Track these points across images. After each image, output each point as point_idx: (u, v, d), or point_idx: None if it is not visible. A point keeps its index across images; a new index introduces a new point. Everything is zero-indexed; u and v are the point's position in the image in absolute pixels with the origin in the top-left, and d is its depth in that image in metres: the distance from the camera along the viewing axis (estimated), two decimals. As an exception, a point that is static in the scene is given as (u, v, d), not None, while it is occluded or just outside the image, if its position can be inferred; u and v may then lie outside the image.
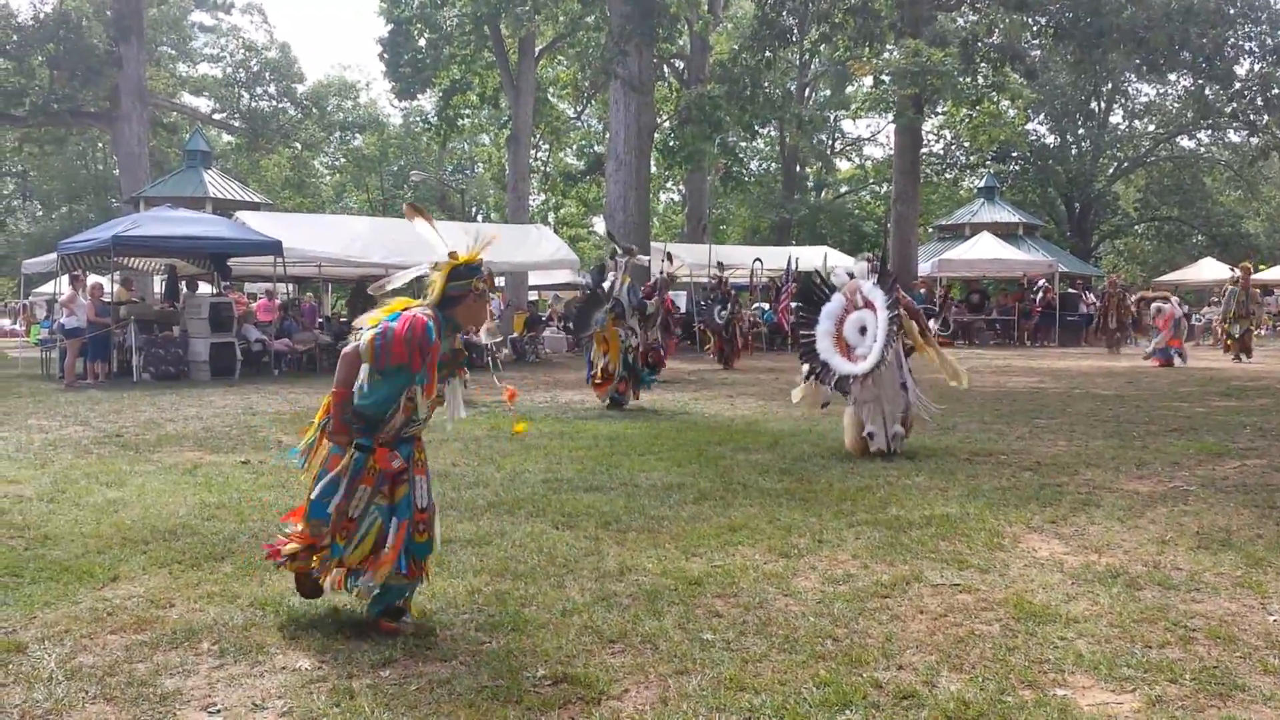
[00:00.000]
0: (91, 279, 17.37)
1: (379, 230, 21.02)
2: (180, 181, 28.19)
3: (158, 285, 20.71)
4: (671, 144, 27.75)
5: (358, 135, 50.99)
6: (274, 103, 43.67)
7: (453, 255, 4.37)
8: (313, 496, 4.19)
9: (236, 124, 42.65)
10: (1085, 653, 3.81)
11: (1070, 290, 30.23)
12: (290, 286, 22.70)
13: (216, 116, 44.38)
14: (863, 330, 8.40)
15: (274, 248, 16.97)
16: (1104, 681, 3.57)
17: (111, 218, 25.21)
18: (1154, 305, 20.00)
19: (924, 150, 37.40)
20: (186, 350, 16.57)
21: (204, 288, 19.16)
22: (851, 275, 8.79)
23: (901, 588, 4.64)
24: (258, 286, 25.01)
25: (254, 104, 43.58)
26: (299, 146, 44.69)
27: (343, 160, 53.07)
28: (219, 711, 3.39)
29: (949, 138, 44.15)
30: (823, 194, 49.61)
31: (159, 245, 16.96)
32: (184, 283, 18.40)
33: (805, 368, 8.80)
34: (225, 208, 24.87)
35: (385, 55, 29.53)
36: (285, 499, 6.59)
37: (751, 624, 4.16)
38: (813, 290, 8.71)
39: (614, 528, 5.79)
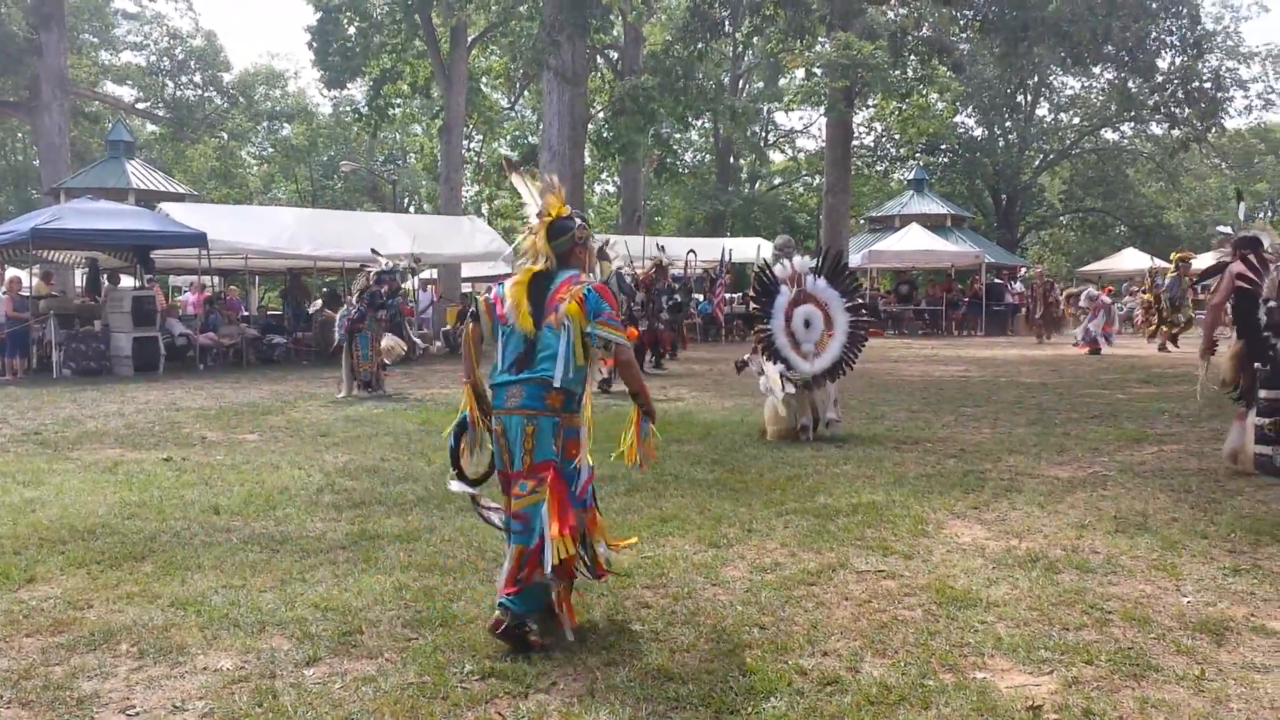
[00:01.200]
0: (9, 273, 16.89)
1: (308, 221, 20.77)
2: (102, 172, 27.47)
3: (79, 279, 20.21)
4: (606, 135, 27.68)
5: (286, 125, 50.17)
6: (199, 92, 42.77)
7: (541, 216, 4.22)
8: (578, 492, 4.05)
9: (161, 113, 41.69)
10: (1004, 636, 3.89)
11: (996, 280, 30.79)
12: (216, 279, 22.29)
13: (140, 106, 43.34)
14: (807, 324, 8.63)
15: (198, 240, 16.65)
16: (1022, 664, 3.65)
17: (31, 209, 24.57)
18: (1085, 293, 20.60)
19: (855, 143, 37.78)
20: (108, 345, 16.21)
21: (126, 281, 18.74)
22: (779, 257, 8.95)
23: (828, 575, 4.70)
24: (183, 279, 24.51)
25: (179, 93, 42.63)
26: (225, 136, 43.88)
27: (271, 150, 52.15)
28: (138, 714, 3.33)
29: (879, 130, 44.60)
30: (756, 185, 49.88)
31: (80, 238, 16.55)
32: (105, 276, 17.98)
33: (764, 362, 8.86)
34: (148, 199, 24.26)
35: (314, 44, 29.05)
36: (208, 496, 6.49)
37: (680, 614, 4.18)
38: (765, 283, 8.80)
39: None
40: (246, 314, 21.39)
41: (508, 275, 4.43)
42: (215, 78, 42.61)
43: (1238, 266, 7.00)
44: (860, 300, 9.12)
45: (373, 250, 13.45)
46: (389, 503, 6.29)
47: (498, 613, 3.81)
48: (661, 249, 19.18)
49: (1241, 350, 6.94)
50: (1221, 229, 7.63)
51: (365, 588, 4.52)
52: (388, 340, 12.81)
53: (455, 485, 4.28)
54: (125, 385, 14.05)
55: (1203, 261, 33.02)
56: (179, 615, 4.21)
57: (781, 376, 8.59)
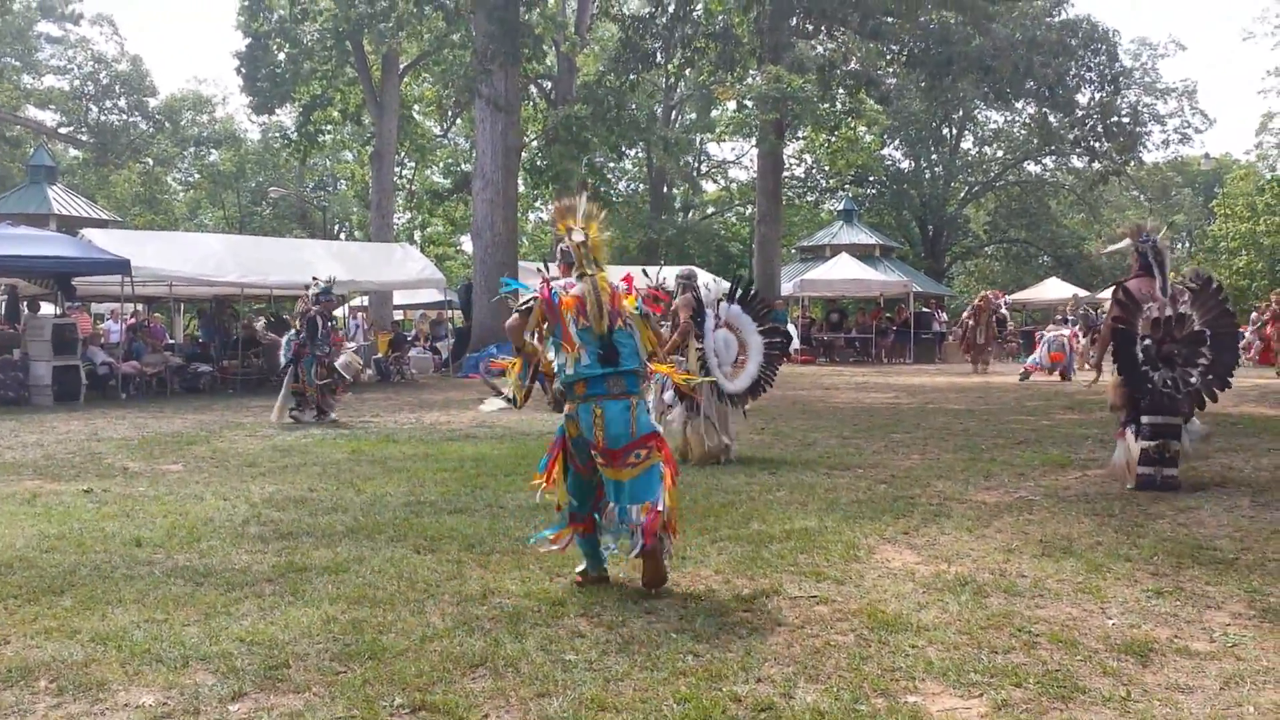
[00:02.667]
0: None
1: (235, 247, 20.47)
2: (23, 198, 26.89)
3: (-4, 306, 19.65)
4: (539, 163, 27.73)
5: (213, 150, 49.42)
6: (124, 117, 42.07)
7: (588, 234, 4.98)
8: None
9: (84, 138, 40.92)
10: (935, 660, 3.93)
11: (924, 309, 31.31)
12: (140, 306, 21.83)
13: (63, 130, 42.49)
14: (725, 346, 8.94)
15: (121, 267, 16.28)
16: (953, 687, 3.68)
17: (-54, 235, 23.82)
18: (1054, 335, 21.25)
19: (786, 173, 38.30)
20: (27, 374, 15.73)
21: (47, 308, 18.26)
22: (685, 286, 9.21)
23: (761, 601, 4.71)
24: (103, 307, 23.97)
25: (103, 118, 41.88)
26: (150, 162, 43.12)
27: (197, 176, 51.34)
28: (52, 755, 3.22)
29: (809, 162, 45.29)
30: (689, 215, 50.25)
31: (-3, 264, 16.10)
32: (25, 303, 17.51)
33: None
34: (71, 225, 23.79)
35: (242, 70, 28.74)
36: (130, 528, 6.32)
37: (614, 643, 4.16)
38: (700, 306, 8.99)
39: (477, 550, 5.72)
40: (171, 342, 20.97)
41: (554, 278, 5.07)
42: (141, 103, 41.94)
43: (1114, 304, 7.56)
44: (773, 324, 9.52)
45: (313, 278, 13.32)
46: (317, 534, 6.18)
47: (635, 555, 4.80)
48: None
49: (1122, 381, 7.48)
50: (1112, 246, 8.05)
51: (292, 620, 4.43)
52: (344, 357, 12.78)
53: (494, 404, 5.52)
54: (45, 415, 13.66)
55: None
56: (99, 650, 4.08)
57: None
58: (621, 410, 4.80)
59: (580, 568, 5.10)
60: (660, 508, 4.77)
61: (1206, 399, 7.39)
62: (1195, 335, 7.28)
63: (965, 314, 25.35)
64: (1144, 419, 7.34)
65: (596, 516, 5.00)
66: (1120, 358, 7.41)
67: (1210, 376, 7.29)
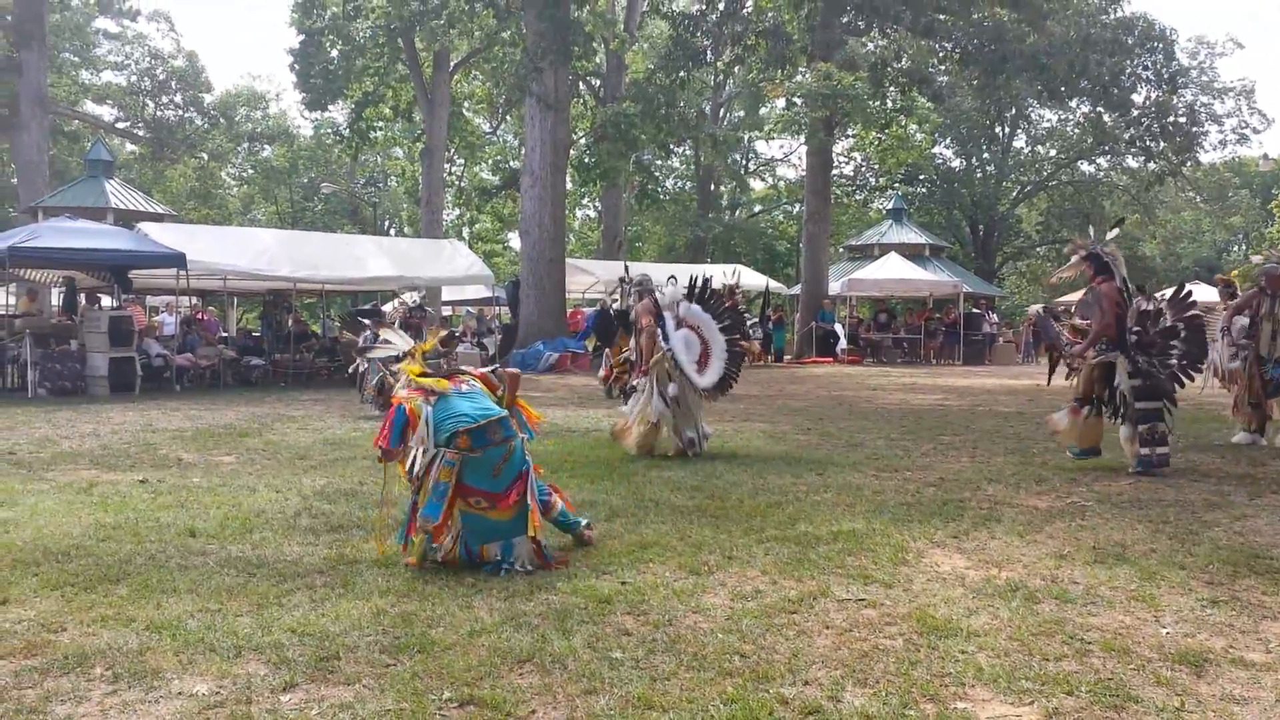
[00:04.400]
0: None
1: (287, 242, 20.67)
2: (80, 191, 27.36)
3: (55, 298, 20.06)
4: (587, 161, 27.81)
5: (267, 146, 50.10)
6: (180, 112, 42.70)
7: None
8: None
9: (141, 133, 41.59)
10: (985, 666, 3.89)
11: (974, 310, 30.97)
12: (194, 300, 22.18)
13: (120, 125, 43.24)
14: (686, 346, 9.31)
15: (177, 260, 16.55)
16: (1003, 694, 3.65)
17: (8, 228, 24.34)
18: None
19: (835, 172, 38.06)
20: (84, 365, 16.06)
21: (104, 301, 18.61)
22: (641, 293, 9.85)
23: (809, 603, 4.69)
24: (159, 300, 24.38)
25: (159, 113, 42.55)
26: (205, 157, 43.78)
27: (251, 171, 52.09)
28: (110, 740, 3.28)
29: (859, 160, 44.97)
30: (737, 213, 50.16)
31: (56, 257, 16.43)
32: (83, 296, 17.86)
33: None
34: (127, 219, 24.15)
35: (296, 66, 29.11)
36: (184, 518, 6.43)
37: (660, 642, 4.16)
38: (659, 310, 9.50)
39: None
40: (225, 335, 21.27)
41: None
42: (196, 98, 42.55)
43: (1111, 291, 8.35)
44: (731, 321, 9.89)
45: (411, 293, 13.82)
46: (367, 527, 6.24)
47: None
48: (641, 277, 19.29)
49: (1098, 366, 8.47)
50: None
51: (343, 613, 4.48)
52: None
53: None
54: (101, 406, 13.93)
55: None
56: (154, 639, 4.16)
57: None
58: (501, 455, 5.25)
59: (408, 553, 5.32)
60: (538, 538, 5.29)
61: (1183, 381, 8.56)
62: (1169, 329, 8.47)
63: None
64: (1138, 405, 8.25)
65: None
66: (1121, 346, 8.35)
67: (1184, 363, 8.50)
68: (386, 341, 6.17)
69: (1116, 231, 8.79)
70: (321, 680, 3.76)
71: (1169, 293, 8.96)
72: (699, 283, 9.78)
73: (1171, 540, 5.96)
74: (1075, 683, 3.73)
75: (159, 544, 5.76)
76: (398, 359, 5.80)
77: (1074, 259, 8.66)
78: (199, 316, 20.88)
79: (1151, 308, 8.57)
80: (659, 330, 9.25)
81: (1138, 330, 8.41)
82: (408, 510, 5.42)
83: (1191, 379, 8.72)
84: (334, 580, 5.03)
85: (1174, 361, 8.44)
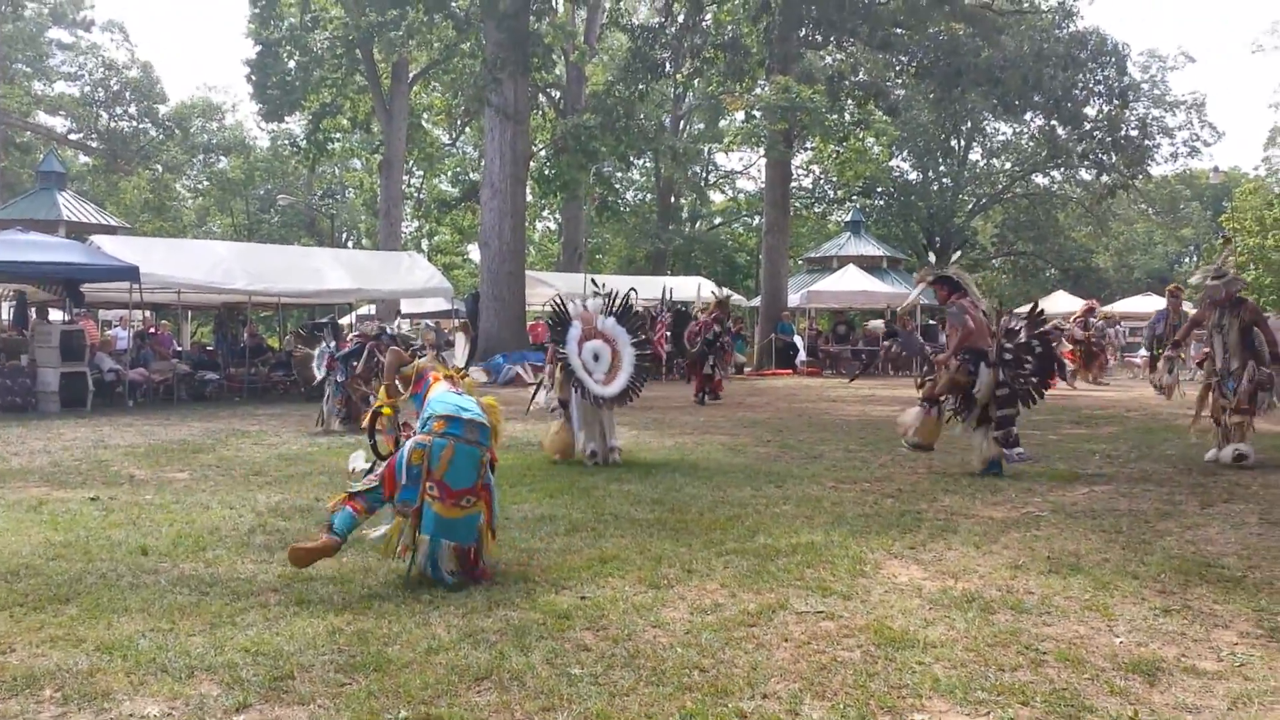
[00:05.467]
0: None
1: (243, 255, 20.48)
2: (32, 203, 27.02)
3: (5, 312, 19.73)
4: (547, 172, 27.80)
5: (223, 158, 49.65)
6: (134, 123, 42.26)
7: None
8: None
9: (94, 144, 41.10)
10: (942, 677, 3.91)
11: (931, 322, 31.25)
12: (148, 313, 21.89)
13: (73, 136, 42.70)
14: (596, 357, 9.64)
15: (130, 274, 16.34)
16: (960, 705, 3.67)
17: (-45, 240, 23.92)
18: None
19: (794, 184, 38.29)
20: (35, 381, 15.77)
21: (55, 315, 18.32)
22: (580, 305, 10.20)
23: (767, 616, 4.70)
24: (112, 313, 24.06)
25: (113, 124, 42.08)
26: (160, 169, 43.31)
27: (206, 183, 51.54)
28: (57, 765, 3.22)
29: (817, 172, 45.34)
30: (697, 225, 50.30)
31: (6, 270, 16.13)
32: (33, 310, 17.57)
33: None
34: (80, 231, 23.88)
35: (252, 77, 28.87)
36: (136, 536, 6.32)
37: (620, 657, 4.15)
38: (562, 317, 9.96)
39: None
40: (179, 349, 21.01)
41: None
42: (151, 109, 42.13)
43: (969, 305, 9.09)
44: (644, 337, 10.41)
45: (379, 322, 13.78)
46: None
47: None
48: (598, 285, 19.40)
49: (961, 374, 9.02)
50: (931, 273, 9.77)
51: (297, 631, 4.43)
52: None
53: None
54: (52, 422, 13.70)
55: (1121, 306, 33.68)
56: (105, 660, 4.08)
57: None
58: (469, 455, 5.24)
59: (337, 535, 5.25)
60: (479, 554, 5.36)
61: (1037, 395, 9.24)
62: (1025, 345, 9.06)
63: (1073, 327, 23.20)
64: (997, 413, 8.96)
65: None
66: (974, 356, 8.98)
67: (1035, 378, 9.11)
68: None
69: (958, 255, 9.95)
70: (275, 700, 3.70)
71: (1025, 310, 9.73)
72: (618, 298, 10.18)
73: (1124, 550, 6.03)
74: (1030, 693, 3.76)
75: (110, 563, 5.67)
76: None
77: (922, 286, 9.46)
78: (152, 330, 20.62)
79: (1015, 325, 9.27)
80: (558, 337, 9.79)
81: (1008, 347, 9.02)
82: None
83: (1043, 395, 9.38)
84: (288, 598, 4.97)
85: (1026, 375, 9.09)
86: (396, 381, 5.84)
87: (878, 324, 27.27)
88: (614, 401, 9.72)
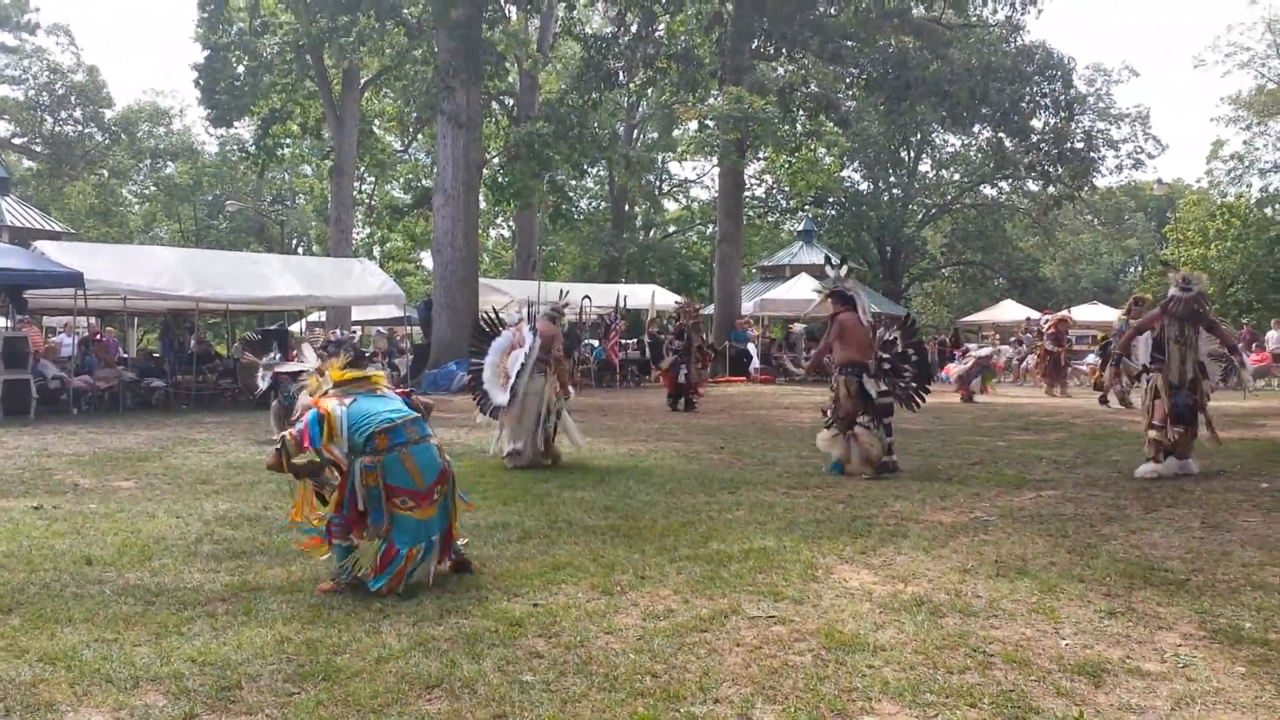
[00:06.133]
0: None
1: (190, 261, 20.18)
2: (-27, 209, 26.45)
3: (-56, 319, 19.29)
4: (501, 180, 27.72)
5: (170, 163, 48.94)
6: (80, 128, 41.60)
7: None
8: None
9: (38, 149, 40.37)
10: (891, 680, 3.95)
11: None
12: (93, 320, 21.52)
13: (17, 141, 41.91)
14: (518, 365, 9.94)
15: (75, 280, 16.05)
16: (909, 707, 3.70)
17: (-108, 245, 23.36)
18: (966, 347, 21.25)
19: (746, 194, 38.50)
20: (-25, 388, 15.43)
21: (-3, 321, 17.95)
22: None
23: (720, 621, 4.72)
24: (56, 320, 23.62)
25: (58, 128, 41.40)
26: (105, 174, 42.65)
27: (153, 189, 50.79)
28: (-4, 779, 3.15)
29: (770, 182, 45.64)
30: (651, 233, 50.43)
31: (-53, 276, 15.80)
32: (-26, 316, 17.20)
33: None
34: (23, 237, 23.45)
35: (201, 82, 28.52)
36: (80, 546, 6.21)
37: (572, 663, 4.14)
38: (487, 326, 10.44)
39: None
40: (124, 356, 20.66)
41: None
42: (97, 114, 41.50)
43: (848, 319, 9.55)
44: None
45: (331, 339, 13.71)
46: (271, 553, 6.11)
47: None
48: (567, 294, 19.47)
49: (855, 389, 9.47)
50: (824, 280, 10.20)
51: (245, 641, 4.37)
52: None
53: None
54: (-9, 430, 13.41)
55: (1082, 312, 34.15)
56: (48, 671, 4.01)
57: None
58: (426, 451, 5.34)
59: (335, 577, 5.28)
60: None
61: (916, 401, 9.81)
62: (902, 354, 9.63)
63: (1042, 339, 23.21)
64: (885, 420, 9.46)
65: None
66: (856, 369, 9.48)
67: (914, 385, 9.68)
68: (300, 358, 6.18)
69: (849, 267, 10.21)
70: (222, 710, 3.66)
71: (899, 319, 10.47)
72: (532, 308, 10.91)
73: (1070, 553, 6.13)
74: (978, 694, 3.81)
75: (54, 572, 5.56)
76: (300, 375, 5.84)
77: (819, 297, 10.13)
78: (98, 337, 20.24)
79: (890, 336, 9.76)
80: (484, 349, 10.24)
81: (887, 356, 9.58)
82: (324, 525, 5.34)
83: (924, 399, 9.97)
84: (236, 607, 4.91)
85: (906, 381, 9.65)
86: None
87: (801, 329, 27.52)
88: (511, 405, 9.88)
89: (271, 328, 14.92)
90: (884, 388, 9.50)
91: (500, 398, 9.79)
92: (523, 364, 9.73)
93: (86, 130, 41.32)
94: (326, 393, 5.44)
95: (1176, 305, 9.41)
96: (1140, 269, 58.24)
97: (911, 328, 10.04)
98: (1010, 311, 36.40)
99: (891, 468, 9.46)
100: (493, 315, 10.66)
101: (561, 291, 14.23)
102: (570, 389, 10.88)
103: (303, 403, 5.59)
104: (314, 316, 27.47)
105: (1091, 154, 33.54)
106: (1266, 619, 4.76)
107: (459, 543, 5.66)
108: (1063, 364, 22.50)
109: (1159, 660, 4.23)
